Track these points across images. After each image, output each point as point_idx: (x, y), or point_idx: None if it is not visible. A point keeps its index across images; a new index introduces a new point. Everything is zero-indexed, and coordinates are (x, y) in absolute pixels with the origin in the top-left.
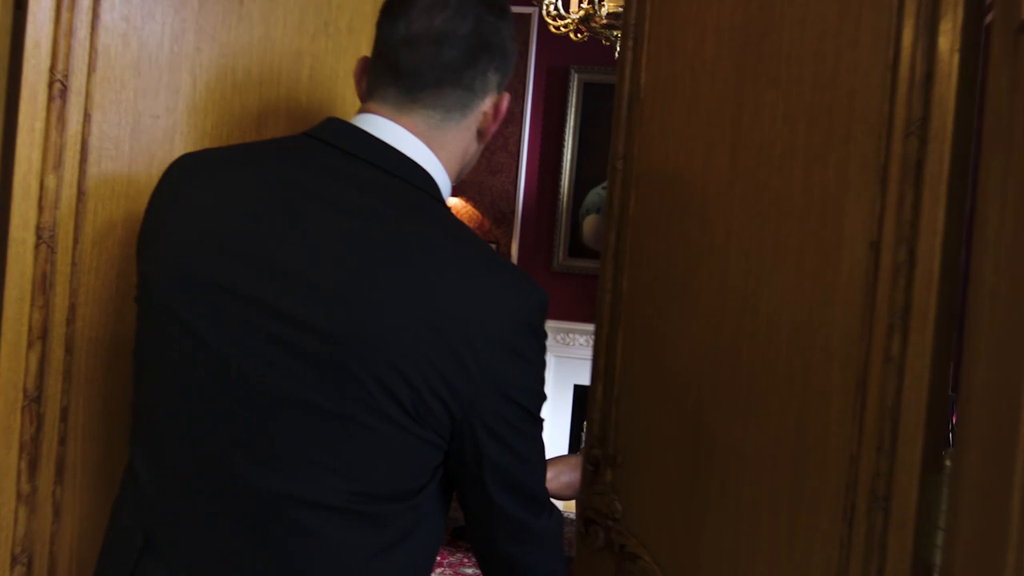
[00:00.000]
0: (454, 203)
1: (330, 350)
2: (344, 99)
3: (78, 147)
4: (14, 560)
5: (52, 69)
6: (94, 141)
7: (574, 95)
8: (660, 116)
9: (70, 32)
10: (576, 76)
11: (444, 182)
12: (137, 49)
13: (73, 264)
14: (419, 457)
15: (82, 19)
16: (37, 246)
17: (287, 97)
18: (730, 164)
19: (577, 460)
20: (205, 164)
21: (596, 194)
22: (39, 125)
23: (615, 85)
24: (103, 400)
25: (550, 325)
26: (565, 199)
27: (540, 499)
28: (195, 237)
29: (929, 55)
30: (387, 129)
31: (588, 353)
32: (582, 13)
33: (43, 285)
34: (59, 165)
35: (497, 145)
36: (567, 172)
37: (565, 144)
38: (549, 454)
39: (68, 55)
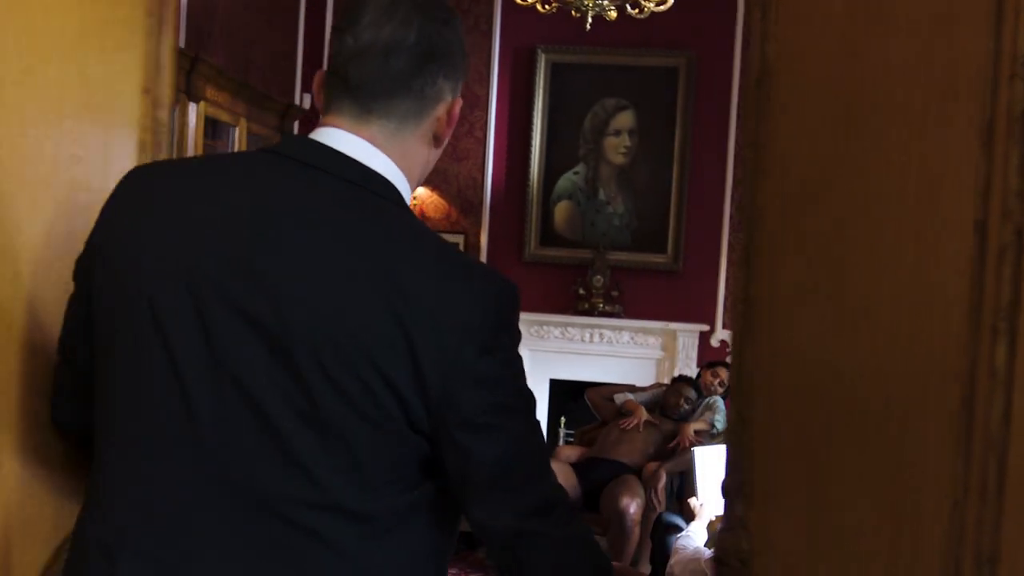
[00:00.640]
0: (419, 192)
1: (309, 355)
2: None
3: None
4: None
5: None
6: None
7: (541, 76)
8: (792, 94)
9: None
10: (543, 56)
11: (405, 189)
12: None
13: None
14: (405, 455)
15: None
16: None
17: None
18: (846, 144)
19: (555, 468)
20: (165, 176)
21: (568, 180)
22: None
23: (741, 62)
24: None
25: (524, 318)
26: (535, 186)
27: (539, 501)
28: (165, 249)
29: None
30: (345, 141)
31: (564, 346)
32: None
33: None
34: None
35: (463, 131)
36: (536, 158)
37: (534, 128)
38: None
39: None
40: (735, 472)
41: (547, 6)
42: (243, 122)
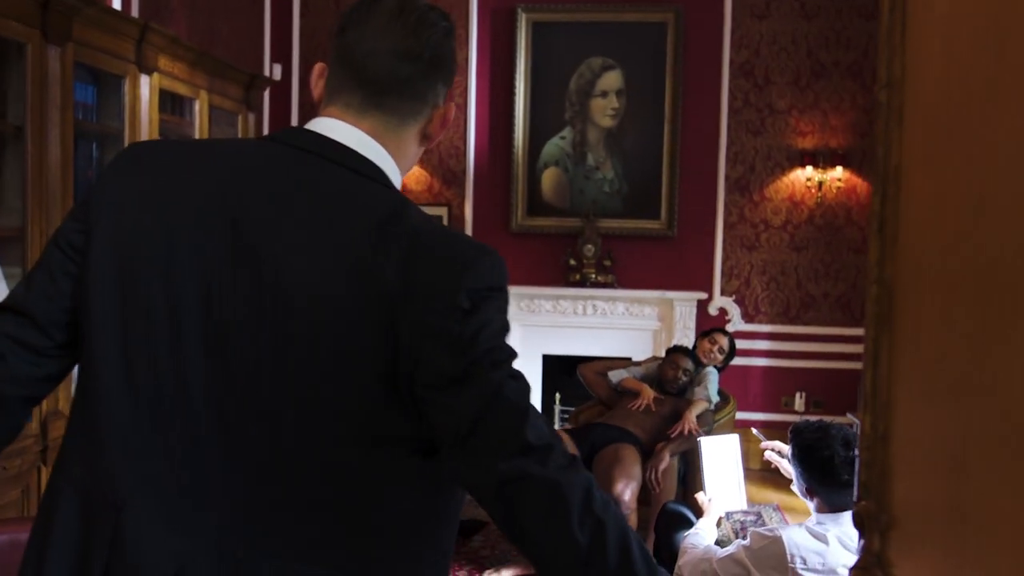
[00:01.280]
0: None
1: (294, 313)
2: None
3: None
4: None
5: None
6: None
7: (523, 37)
8: (940, 20)
9: None
10: (523, 16)
11: (396, 177)
12: None
13: None
14: (386, 407)
15: None
16: None
17: None
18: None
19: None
20: (159, 153)
21: (554, 145)
22: None
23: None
24: None
25: (513, 292)
26: (520, 153)
27: (524, 442)
28: (169, 220)
29: None
30: (343, 131)
31: (555, 320)
32: None
33: None
34: None
35: None
36: (520, 123)
37: (516, 92)
38: None
39: None
40: (868, 498)
41: None
42: (204, 95)
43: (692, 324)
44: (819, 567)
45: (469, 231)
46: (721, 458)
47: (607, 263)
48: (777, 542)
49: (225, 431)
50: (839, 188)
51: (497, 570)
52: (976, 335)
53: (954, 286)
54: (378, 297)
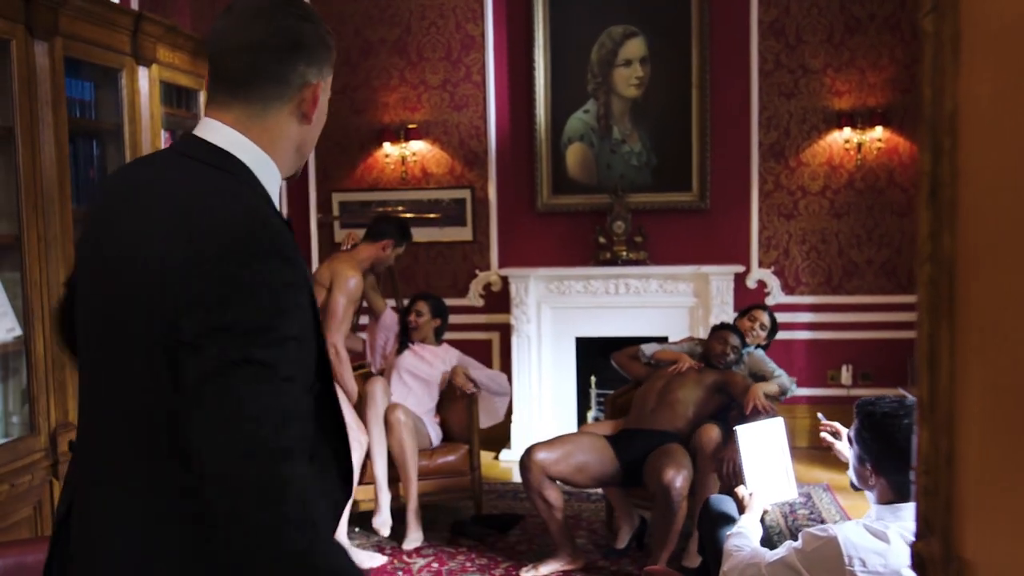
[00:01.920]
0: (418, 147)
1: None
2: None
3: None
4: None
5: None
6: None
7: (540, 8)
8: None
9: None
10: None
11: (258, 159)
12: None
13: None
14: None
15: None
16: None
17: None
18: None
19: (590, 441)
20: (113, 176)
21: (578, 119)
22: None
23: None
24: None
25: (541, 274)
26: (543, 129)
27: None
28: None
29: None
30: (211, 128)
31: (587, 301)
32: None
33: None
34: None
35: (459, 76)
36: (541, 98)
37: (536, 66)
38: (557, 418)
39: None
40: (931, 536)
41: None
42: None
43: (730, 299)
44: (880, 569)
45: (494, 213)
46: (763, 446)
47: (638, 240)
48: (831, 543)
49: (90, 397)
50: (880, 149)
51: (535, 566)
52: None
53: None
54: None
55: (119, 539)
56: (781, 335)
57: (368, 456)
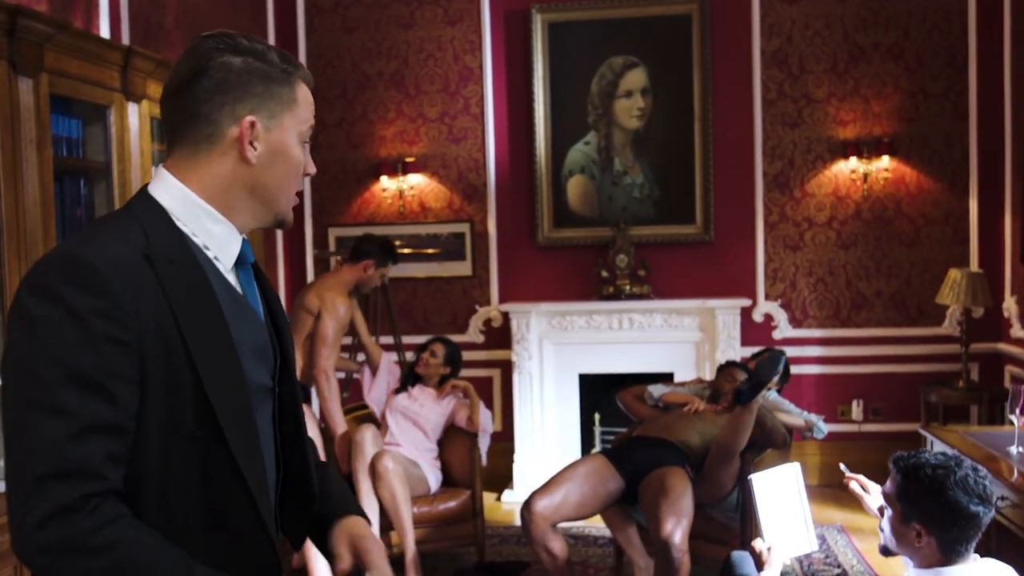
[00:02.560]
0: (417, 180)
1: None
2: None
3: None
4: None
5: None
6: None
7: (539, 39)
8: None
9: None
10: (538, 16)
11: (184, 199)
12: None
13: None
14: None
15: None
16: None
17: None
18: None
19: (586, 468)
20: None
21: (578, 151)
22: None
23: None
24: None
25: (543, 309)
26: (543, 162)
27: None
28: None
29: None
30: (156, 176)
31: (590, 336)
32: None
33: None
34: None
35: (457, 108)
36: (541, 130)
37: (535, 98)
38: (561, 458)
39: None
40: None
41: None
42: None
43: (736, 333)
44: None
45: (493, 247)
46: (779, 494)
47: (642, 273)
48: None
49: None
50: (886, 179)
51: None
52: None
53: None
54: None
55: None
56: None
57: None
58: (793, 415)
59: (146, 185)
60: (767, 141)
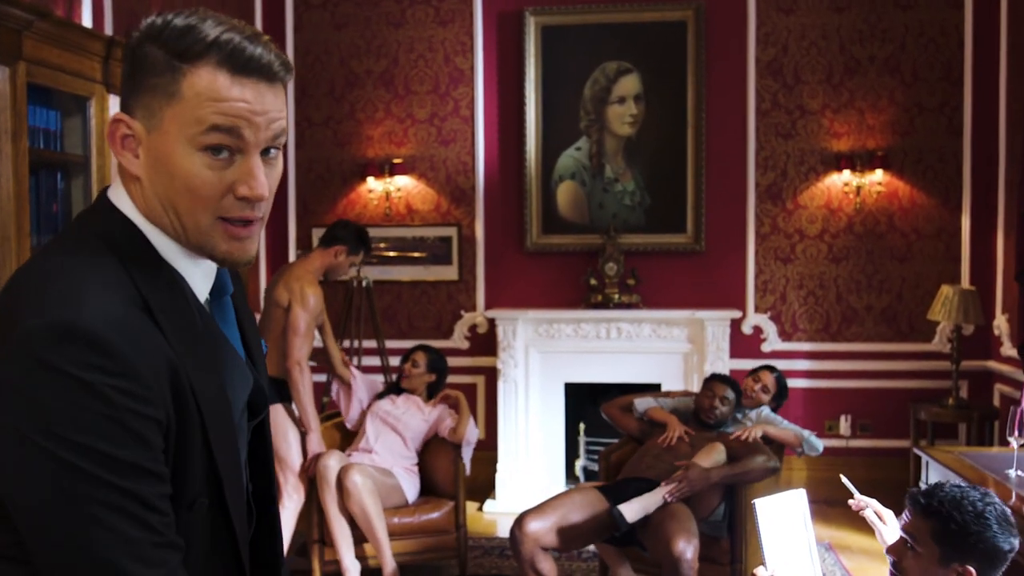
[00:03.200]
0: (404, 183)
1: None
2: None
3: None
4: None
5: None
6: None
7: (532, 42)
8: None
9: None
10: (532, 19)
11: (137, 219)
12: None
13: None
14: None
15: None
16: None
17: None
18: None
19: (581, 498)
20: None
21: (569, 157)
22: None
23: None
24: None
25: (530, 316)
26: (533, 166)
27: None
28: None
29: None
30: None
31: (577, 345)
32: None
33: None
34: None
35: (447, 110)
36: (532, 135)
37: (527, 101)
38: (545, 467)
39: None
40: None
41: None
42: None
43: (725, 345)
44: None
45: (480, 252)
46: (783, 522)
47: (631, 282)
48: None
49: None
50: (879, 193)
51: None
52: None
53: None
54: None
55: None
56: None
57: (316, 523)
58: (785, 431)
59: (105, 191)
60: (760, 151)
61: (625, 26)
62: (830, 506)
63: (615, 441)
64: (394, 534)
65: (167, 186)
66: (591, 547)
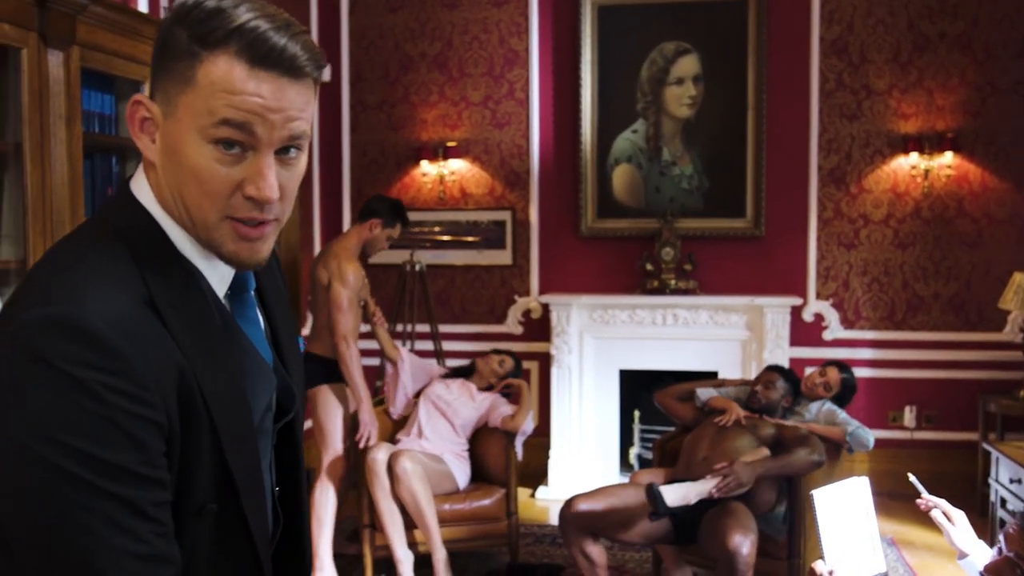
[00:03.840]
0: (458, 166)
1: None
2: None
3: None
4: None
5: None
6: None
7: (588, 23)
8: None
9: None
10: (588, 0)
11: (144, 190)
12: None
13: None
14: None
15: None
16: None
17: None
18: None
19: (636, 492)
20: None
21: (626, 140)
22: None
23: None
24: None
25: (584, 302)
26: (588, 149)
27: None
28: None
29: None
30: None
31: (632, 331)
32: None
33: None
34: None
35: (502, 93)
36: (588, 117)
37: (582, 83)
38: (599, 455)
39: None
40: None
41: None
42: None
43: (785, 333)
44: None
45: (535, 236)
46: (844, 511)
47: (688, 268)
48: None
49: None
50: (949, 176)
51: None
52: None
53: None
54: None
55: None
56: None
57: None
58: (829, 428)
59: (128, 180)
60: (823, 134)
61: (683, 5)
62: (893, 499)
63: (670, 429)
64: (444, 521)
65: (177, 175)
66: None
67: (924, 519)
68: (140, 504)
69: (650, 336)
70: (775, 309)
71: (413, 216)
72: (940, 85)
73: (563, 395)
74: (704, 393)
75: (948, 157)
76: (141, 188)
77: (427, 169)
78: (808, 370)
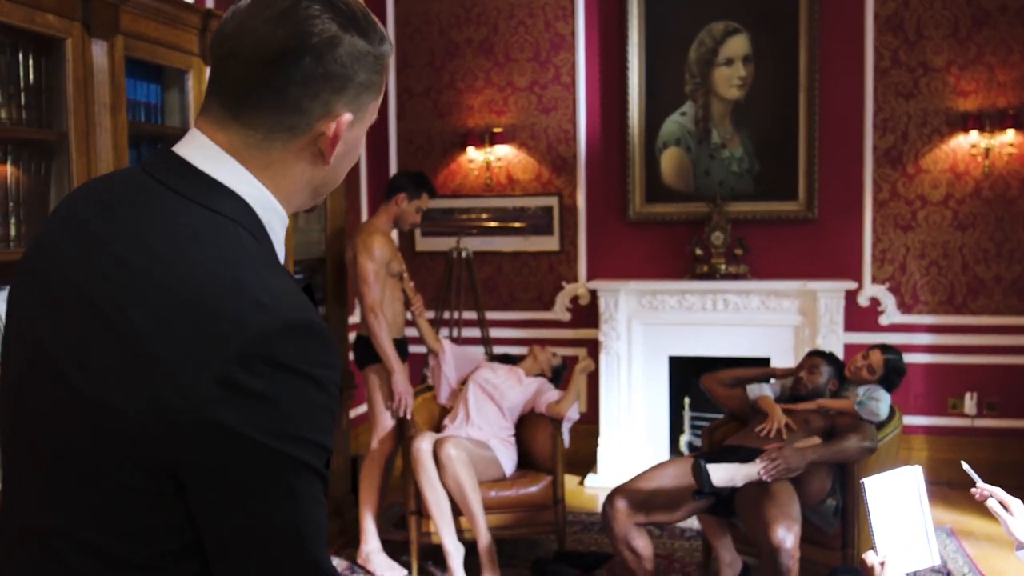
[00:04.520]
0: (504, 152)
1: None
2: None
3: None
4: None
5: None
6: None
7: (635, 4)
8: None
9: None
10: None
11: (263, 200)
12: None
13: None
14: (151, 513)
15: None
16: None
17: None
18: None
19: (675, 470)
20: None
21: (674, 123)
22: None
23: None
24: None
25: (633, 287)
26: (636, 133)
27: None
28: (33, 275)
29: None
30: (197, 145)
31: (682, 317)
32: None
33: None
34: None
35: (548, 77)
36: (635, 100)
37: (630, 66)
38: (648, 442)
39: None
40: None
41: None
42: None
43: (839, 318)
44: None
45: (582, 221)
46: (896, 501)
47: (738, 252)
48: None
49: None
50: (1011, 155)
51: None
52: None
53: None
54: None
55: None
56: None
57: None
58: (837, 401)
59: (203, 174)
60: (879, 113)
61: None
62: (952, 489)
63: (720, 417)
64: (490, 508)
65: (347, 166)
66: (695, 525)
67: (984, 509)
68: (325, 480)
69: (700, 322)
70: (829, 294)
71: (460, 203)
72: (1001, 60)
73: (612, 382)
74: (754, 390)
75: (1010, 135)
76: (228, 172)
77: (473, 156)
78: None
